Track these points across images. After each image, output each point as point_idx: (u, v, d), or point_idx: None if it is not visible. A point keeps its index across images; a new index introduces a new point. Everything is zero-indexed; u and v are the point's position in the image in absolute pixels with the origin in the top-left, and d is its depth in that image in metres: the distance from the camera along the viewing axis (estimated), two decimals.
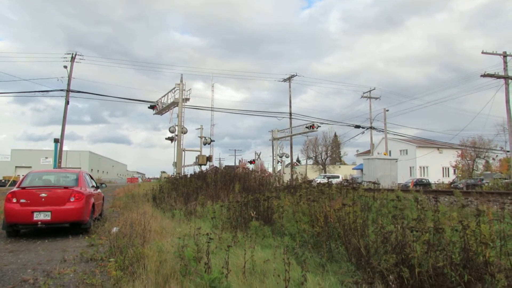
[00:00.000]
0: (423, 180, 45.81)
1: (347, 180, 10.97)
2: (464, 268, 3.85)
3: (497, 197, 8.86)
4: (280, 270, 4.78)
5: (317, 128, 38.77)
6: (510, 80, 29.04)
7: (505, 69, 28.96)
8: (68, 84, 31.71)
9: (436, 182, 41.69)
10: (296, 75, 45.35)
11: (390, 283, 4.14)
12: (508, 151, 39.70)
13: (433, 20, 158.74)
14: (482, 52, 29.04)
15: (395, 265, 4.11)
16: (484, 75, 28.93)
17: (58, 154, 32.06)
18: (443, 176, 60.29)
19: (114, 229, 8.36)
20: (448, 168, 62.17)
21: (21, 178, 10.33)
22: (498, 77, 29.01)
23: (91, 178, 12.12)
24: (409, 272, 4.01)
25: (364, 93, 49.58)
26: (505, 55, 29.07)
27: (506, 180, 28.00)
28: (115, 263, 6.06)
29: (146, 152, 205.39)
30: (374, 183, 8.61)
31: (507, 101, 28.89)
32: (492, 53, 29.24)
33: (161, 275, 5.08)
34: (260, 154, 55.16)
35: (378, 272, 4.54)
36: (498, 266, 3.24)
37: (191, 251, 5.55)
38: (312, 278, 4.89)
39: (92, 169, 74.20)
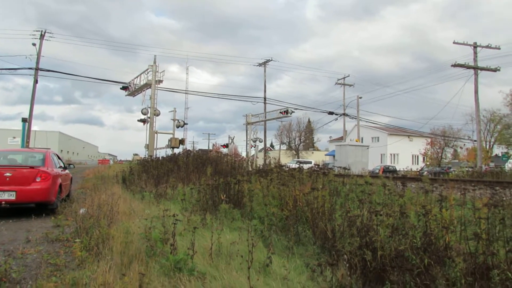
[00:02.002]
0: (390, 167, 46.75)
1: (318, 165, 11.06)
2: (425, 251, 3.95)
3: (461, 184, 9.13)
4: (246, 252, 4.80)
5: (291, 114, 38.83)
6: (479, 71, 29.72)
7: (475, 59, 29.58)
8: (37, 63, 30.75)
9: (404, 169, 42.63)
10: (272, 60, 45.32)
11: (353, 266, 4.22)
12: (475, 140, 40.92)
13: (408, 10, 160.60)
14: (454, 42, 29.58)
15: (358, 248, 4.18)
16: (454, 65, 29.49)
17: (26, 134, 31.19)
18: (413, 163, 61.71)
19: (81, 210, 8.21)
20: (417, 156, 63.67)
21: None
22: (468, 67, 29.62)
23: (59, 158, 11.84)
24: (372, 255, 4.09)
25: (338, 79, 49.96)
26: (475, 46, 29.66)
27: (472, 169, 28.86)
28: (81, 244, 5.97)
29: (119, 134, 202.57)
30: (344, 168, 8.72)
31: (476, 91, 29.61)
32: (463, 44, 29.80)
33: (127, 256, 5.03)
34: (234, 138, 55.03)
35: (342, 255, 4.62)
36: (457, 250, 3.33)
37: (158, 232, 5.52)
38: (277, 260, 4.94)
39: (62, 150, 72.67)
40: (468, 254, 3.59)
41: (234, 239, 5.64)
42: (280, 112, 39.08)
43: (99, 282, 3.97)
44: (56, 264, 5.29)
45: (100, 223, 6.58)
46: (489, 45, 29.74)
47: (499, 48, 29.81)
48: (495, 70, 30.13)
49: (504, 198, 6.02)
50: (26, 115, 31.55)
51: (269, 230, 6.47)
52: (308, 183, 7.97)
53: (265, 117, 42.37)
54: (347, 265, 4.38)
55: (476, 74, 29.55)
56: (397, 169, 44.78)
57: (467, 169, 30.64)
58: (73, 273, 4.61)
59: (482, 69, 29.83)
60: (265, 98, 43.36)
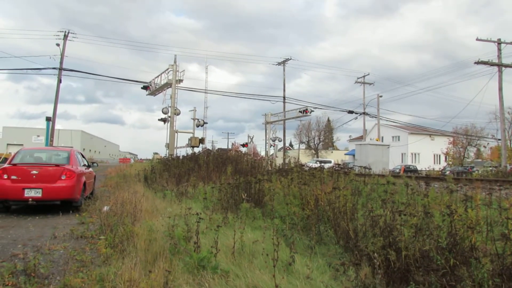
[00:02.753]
0: (411, 167, 46.13)
1: (338, 164, 11.00)
2: (450, 252, 3.91)
3: (486, 184, 8.94)
4: (269, 251, 4.82)
5: (310, 113, 38.76)
6: (503, 68, 29.09)
7: (499, 56, 28.95)
8: (61, 62, 31.31)
9: (426, 169, 42.00)
10: (291, 59, 45.09)
11: (377, 266, 4.20)
12: (499, 139, 40.05)
13: (429, 7, 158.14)
14: (477, 39, 28.98)
15: (382, 248, 4.16)
16: (478, 62, 28.90)
17: (50, 133, 31.80)
18: (434, 163, 60.76)
19: (105, 208, 8.37)
20: (439, 155, 62.64)
21: (12, 155, 10.27)
22: (492, 64, 29.01)
23: (83, 156, 12.07)
24: (396, 255, 4.07)
25: (358, 78, 49.42)
26: (499, 42, 29.02)
27: (496, 168, 28.28)
28: (105, 241, 6.09)
29: (140, 133, 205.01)
30: (365, 167, 8.66)
31: (500, 89, 28.97)
32: (487, 40, 29.18)
33: (151, 253, 5.11)
34: (253, 137, 55.20)
35: (365, 254, 4.61)
36: (483, 250, 3.29)
37: (181, 230, 5.59)
38: (300, 259, 4.95)
39: (84, 149, 73.85)
40: (495, 255, 3.54)
41: (256, 238, 5.67)
42: (300, 111, 39.02)
43: (125, 279, 4.05)
44: (82, 260, 5.39)
45: (124, 221, 6.71)
46: None
47: None
48: None
49: None
50: (50, 114, 32.18)
51: (291, 230, 6.48)
52: (330, 182, 7.95)
53: (284, 116, 42.33)
54: (371, 264, 4.37)
55: (500, 71, 28.91)
56: (418, 168, 44.15)
57: (491, 168, 30.00)
58: (99, 270, 4.71)
59: (507, 66, 29.16)
60: (284, 97, 43.25)
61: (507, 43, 29.03)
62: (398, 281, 4.10)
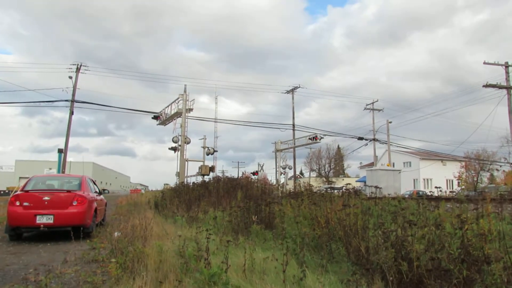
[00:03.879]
0: (419, 192, 45.56)
1: (353, 188, 10.89)
2: (462, 262, 3.86)
3: (497, 203, 8.74)
4: (280, 268, 4.80)
5: (320, 140, 38.84)
6: None
7: (507, 79, 28.97)
8: (73, 95, 31.96)
9: (439, 192, 41.33)
10: (299, 87, 45.57)
11: (389, 278, 4.15)
12: (511, 163, 39.56)
13: (435, 35, 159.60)
14: (484, 63, 29.11)
15: (394, 259, 4.12)
16: (486, 86, 28.94)
17: (62, 165, 32.15)
18: (447, 188, 59.98)
19: (116, 234, 8.38)
20: (452, 181, 61.85)
21: (25, 182, 10.39)
22: (500, 87, 29.00)
23: (94, 183, 12.18)
24: (408, 266, 4.02)
25: (367, 105, 49.66)
26: (507, 66, 29.09)
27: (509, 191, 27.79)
28: (116, 264, 6.09)
29: (151, 165, 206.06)
30: (376, 187, 8.63)
31: (510, 112, 28.84)
32: (494, 64, 29.28)
33: (161, 272, 5.11)
34: (263, 165, 55.04)
35: (377, 268, 4.56)
36: (496, 256, 3.25)
37: (192, 249, 5.58)
38: (311, 275, 4.90)
39: (95, 180, 74.28)
40: (508, 263, 3.49)
41: (267, 257, 5.64)
42: (309, 139, 39.10)
43: None
44: (93, 282, 5.40)
45: (135, 243, 6.72)
46: None
47: None
48: None
49: None
50: (62, 147, 32.61)
51: (302, 249, 6.43)
52: (340, 202, 7.92)
53: (294, 143, 42.41)
54: (384, 278, 4.32)
55: (509, 94, 28.86)
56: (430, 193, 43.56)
57: (505, 192, 29.52)
58: None
59: None
60: (293, 125, 43.48)
61: None
62: None
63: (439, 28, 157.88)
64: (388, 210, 6.62)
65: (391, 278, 4.12)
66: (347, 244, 6.20)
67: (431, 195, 10.79)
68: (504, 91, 29.14)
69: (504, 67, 29.18)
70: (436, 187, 8.44)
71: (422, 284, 3.89)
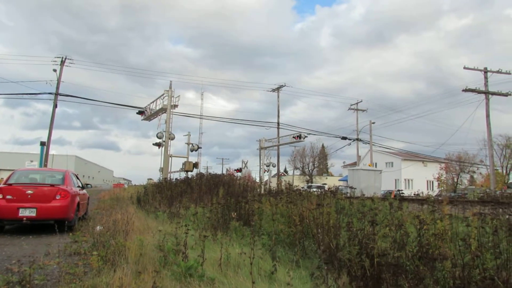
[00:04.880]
0: (398, 192, 46.35)
1: (329, 188, 11.31)
2: (420, 259, 4.21)
3: (466, 205, 9.28)
4: (254, 262, 5.10)
5: (304, 139, 39.19)
6: (490, 96, 29.84)
7: (486, 84, 29.74)
8: (57, 88, 31.75)
9: (416, 194, 42.15)
10: (285, 86, 45.88)
11: (353, 272, 4.49)
12: (487, 165, 40.55)
13: (421, 38, 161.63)
14: (464, 68, 29.79)
15: (357, 255, 4.46)
16: (465, 90, 29.66)
17: (44, 158, 31.96)
18: (427, 189, 60.99)
19: (98, 227, 8.58)
20: (432, 182, 63.01)
21: (8, 176, 10.50)
22: (479, 92, 29.76)
23: (77, 178, 12.32)
24: (370, 262, 4.36)
25: (351, 105, 50.23)
26: (485, 71, 29.85)
27: (486, 193, 28.56)
28: (98, 256, 6.31)
29: (135, 159, 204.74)
30: (351, 187, 8.96)
31: (487, 116, 29.64)
32: (473, 69, 30.03)
33: (141, 264, 5.36)
34: (247, 162, 55.28)
35: (344, 265, 4.89)
36: (444, 254, 3.60)
37: (171, 244, 5.85)
38: (283, 269, 5.23)
39: (78, 174, 73.63)
40: (458, 260, 3.84)
41: (246, 252, 5.93)
42: (293, 137, 39.45)
43: (116, 285, 4.30)
44: (75, 274, 5.61)
45: (116, 237, 6.95)
46: (500, 70, 29.91)
47: (510, 73, 29.91)
48: (506, 94, 30.18)
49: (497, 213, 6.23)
50: (45, 139, 32.42)
51: (276, 245, 6.75)
52: (315, 201, 8.25)
53: (278, 142, 42.74)
54: (349, 274, 4.66)
55: (487, 99, 29.64)
56: (414, 193, 44.34)
57: (481, 194, 30.35)
58: (91, 281, 4.94)
59: (493, 93, 29.94)
60: (278, 123, 43.82)
61: (493, 72, 29.87)
62: (374, 287, 4.38)
63: (425, 31, 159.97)
64: (358, 210, 6.97)
65: (354, 273, 4.47)
66: (319, 241, 6.53)
67: (402, 195, 11.21)
68: (483, 96, 29.90)
69: (483, 72, 29.93)
70: (399, 190, 8.78)
71: (382, 278, 4.23)
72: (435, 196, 41.79)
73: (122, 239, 6.69)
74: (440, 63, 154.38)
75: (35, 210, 9.20)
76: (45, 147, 32.26)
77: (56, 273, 5.72)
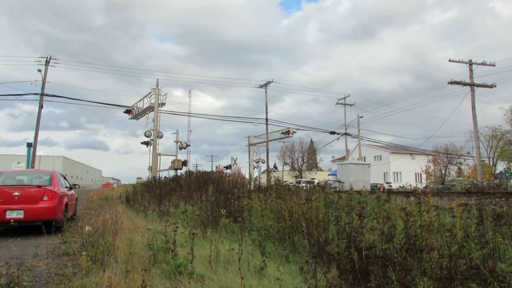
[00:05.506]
0: (378, 185, 46.87)
1: (318, 183, 11.35)
2: (407, 251, 4.26)
3: (452, 196, 9.41)
4: (243, 259, 5.11)
5: (292, 134, 39.28)
6: (476, 88, 30.20)
7: (471, 76, 30.09)
8: (42, 88, 31.43)
9: (404, 186, 42.62)
10: (272, 82, 45.96)
11: (341, 266, 4.53)
12: (474, 156, 41.07)
13: (406, 31, 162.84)
14: (449, 60, 30.10)
15: (345, 248, 4.49)
16: (451, 82, 29.98)
17: (31, 159, 31.64)
18: (416, 181, 61.65)
19: (87, 228, 8.54)
20: (420, 174, 63.63)
21: None
22: (465, 84, 30.11)
23: (65, 178, 12.22)
24: (358, 255, 4.40)
25: (339, 99, 50.53)
26: (470, 63, 30.20)
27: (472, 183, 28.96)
28: (87, 256, 6.28)
29: (123, 159, 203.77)
30: (339, 181, 9.01)
31: (473, 108, 30.01)
32: (459, 61, 30.35)
33: (131, 263, 5.34)
34: (236, 159, 55.40)
35: (333, 259, 4.93)
36: (430, 244, 3.65)
37: (160, 242, 5.85)
38: (272, 265, 5.25)
39: (66, 174, 73.02)
40: (444, 251, 3.90)
41: (234, 248, 5.95)
42: (282, 133, 39.53)
43: (106, 284, 4.29)
44: (64, 274, 5.58)
45: (105, 237, 6.92)
46: (484, 62, 30.28)
47: (494, 65, 30.33)
48: (491, 86, 30.58)
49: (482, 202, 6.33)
50: (32, 141, 32.07)
51: (266, 241, 6.78)
52: (304, 196, 8.29)
53: (267, 138, 42.80)
54: (338, 267, 4.70)
55: (472, 91, 30.00)
56: (399, 186, 44.76)
57: (468, 185, 30.78)
58: (80, 281, 4.92)
59: (479, 85, 30.31)
60: (266, 119, 43.88)
61: (478, 64, 30.22)
62: (362, 280, 4.43)
63: (410, 25, 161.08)
64: (346, 204, 7.02)
65: (343, 266, 4.50)
66: (308, 236, 6.57)
67: (390, 188, 11.30)
68: (469, 88, 30.25)
69: (468, 64, 30.26)
70: (387, 183, 8.89)
71: (370, 271, 4.27)
72: (423, 188, 42.29)
73: (111, 239, 6.66)
74: (426, 56, 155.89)
75: (22, 211, 9.12)
76: (32, 148, 31.92)
77: (45, 274, 5.68)
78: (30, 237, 9.26)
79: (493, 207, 6.02)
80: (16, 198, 9.17)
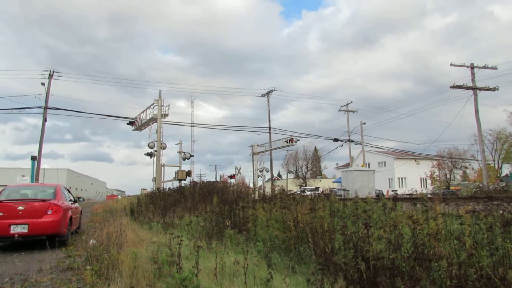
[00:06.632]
0: (392, 191, 46.67)
1: (322, 192, 11.31)
2: (415, 260, 4.19)
3: (459, 202, 9.31)
4: (249, 270, 5.05)
5: (296, 142, 39.16)
6: (478, 91, 30.09)
7: (473, 80, 29.99)
8: (46, 101, 31.57)
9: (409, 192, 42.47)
10: (275, 90, 46.04)
11: (349, 277, 4.46)
12: (479, 160, 40.84)
13: (407, 37, 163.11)
14: (451, 65, 30.03)
15: (353, 258, 4.43)
16: (453, 87, 29.86)
17: (36, 172, 31.69)
18: (421, 187, 61.34)
19: (92, 241, 8.49)
20: (425, 179, 63.31)
21: None
22: (467, 88, 30.00)
23: (69, 192, 12.20)
24: (366, 265, 4.33)
25: (341, 106, 50.46)
26: (472, 67, 30.11)
27: (478, 188, 28.74)
28: (91, 271, 6.24)
29: (128, 170, 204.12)
30: (344, 189, 8.95)
31: (476, 111, 29.89)
32: (460, 65, 30.27)
33: (135, 278, 5.29)
34: (240, 168, 55.32)
35: (340, 269, 4.86)
36: (439, 253, 3.58)
37: (165, 255, 5.79)
38: (279, 276, 5.17)
39: (70, 187, 72.98)
40: (454, 259, 3.83)
41: (239, 260, 5.88)
42: (285, 141, 39.44)
43: None
44: None
45: (110, 251, 6.87)
46: (486, 66, 30.18)
47: (496, 68, 30.26)
48: (494, 89, 30.46)
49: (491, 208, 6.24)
50: (36, 154, 32.14)
51: (272, 251, 6.70)
52: (309, 205, 8.23)
53: (271, 146, 42.72)
54: (346, 278, 4.63)
55: (475, 94, 29.89)
56: (404, 192, 44.56)
57: (474, 189, 30.57)
58: None
59: (481, 89, 30.18)
60: (269, 128, 43.88)
61: (479, 67, 30.13)
62: None
63: (410, 31, 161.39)
64: (352, 212, 6.96)
65: (350, 277, 4.44)
66: (314, 246, 6.50)
67: (395, 195, 11.23)
68: (471, 92, 30.15)
69: (469, 68, 30.19)
70: (393, 190, 8.84)
71: (378, 281, 4.20)
72: (429, 194, 42.09)
73: (116, 252, 6.61)
74: (427, 61, 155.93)
75: (26, 226, 9.09)
76: (36, 161, 31.98)
77: None
78: (35, 251, 9.22)
79: (501, 212, 5.94)
80: (21, 212, 9.15)
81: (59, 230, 9.50)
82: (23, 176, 69.65)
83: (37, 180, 31.33)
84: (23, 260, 8.15)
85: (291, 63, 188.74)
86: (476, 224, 4.60)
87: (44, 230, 9.31)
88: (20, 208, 9.20)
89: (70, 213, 10.41)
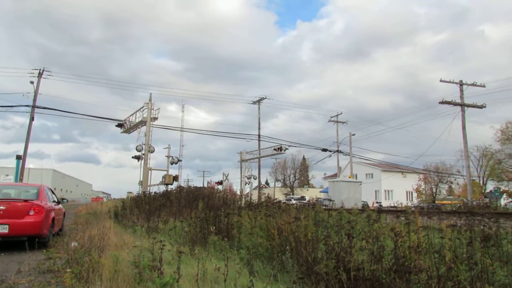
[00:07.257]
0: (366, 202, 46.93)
1: (308, 201, 11.33)
2: (396, 272, 4.22)
3: (442, 216, 9.40)
4: (231, 277, 5.03)
5: (284, 151, 39.31)
6: (466, 108, 30.51)
7: (461, 96, 30.44)
8: (34, 100, 31.26)
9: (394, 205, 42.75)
10: (266, 98, 46.17)
11: (331, 287, 4.46)
12: (464, 175, 41.29)
13: (398, 53, 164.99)
14: (440, 81, 30.48)
15: (334, 268, 4.44)
16: (442, 102, 30.28)
17: (20, 171, 31.28)
18: (407, 200, 61.80)
19: (73, 244, 8.39)
20: (411, 192, 63.84)
21: None
22: (455, 104, 30.43)
23: (53, 193, 12.06)
24: (346, 275, 4.35)
25: (331, 117, 50.76)
26: (461, 84, 30.58)
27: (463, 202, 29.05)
28: (71, 273, 6.15)
29: (115, 172, 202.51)
30: (329, 199, 9.00)
31: (463, 127, 30.30)
32: (449, 82, 30.74)
33: (116, 282, 5.23)
34: (228, 175, 55.27)
35: (321, 277, 4.87)
36: (419, 266, 3.61)
37: (147, 260, 5.74)
38: (260, 284, 5.16)
39: (55, 188, 72.19)
40: (433, 272, 3.86)
41: (220, 267, 5.86)
42: (274, 149, 39.55)
43: None
44: None
45: (91, 254, 6.79)
46: (475, 83, 30.68)
47: (484, 86, 30.74)
48: (481, 107, 30.91)
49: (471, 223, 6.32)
50: (22, 153, 31.74)
51: (255, 259, 6.69)
52: (293, 214, 8.23)
53: (259, 154, 42.77)
54: (326, 286, 4.63)
55: (463, 111, 30.31)
56: (389, 204, 44.82)
57: (458, 204, 30.90)
58: None
59: (469, 106, 30.63)
60: (259, 135, 43.93)
61: (468, 85, 30.61)
62: None
63: (402, 46, 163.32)
64: (336, 223, 6.98)
65: (331, 287, 4.44)
66: (297, 255, 6.50)
67: (380, 207, 11.32)
68: (459, 108, 30.56)
69: (458, 85, 30.63)
70: (377, 202, 8.89)
71: None
72: (413, 207, 42.37)
73: (97, 256, 6.53)
74: (418, 76, 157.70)
75: (7, 226, 8.94)
76: (21, 161, 31.58)
77: None
78: (14, 252, 9.07)
79: (482, 227, 6.00)
80: (1, 212, 9.00)
81: (40, 231, 9.36)
82: (7, 175, 68.63)
83: (21, 180, 30.91)
84: (1, 261, 8.01)
85: (284, 72, 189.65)
86: (457, 238, 4.65)
87: (25, 230, 9.16)
88: (1, 207, 9.05)
89: (52, 214, 10.27)
